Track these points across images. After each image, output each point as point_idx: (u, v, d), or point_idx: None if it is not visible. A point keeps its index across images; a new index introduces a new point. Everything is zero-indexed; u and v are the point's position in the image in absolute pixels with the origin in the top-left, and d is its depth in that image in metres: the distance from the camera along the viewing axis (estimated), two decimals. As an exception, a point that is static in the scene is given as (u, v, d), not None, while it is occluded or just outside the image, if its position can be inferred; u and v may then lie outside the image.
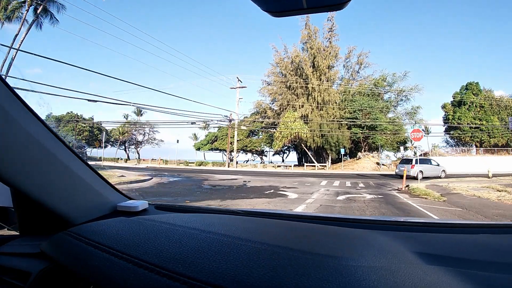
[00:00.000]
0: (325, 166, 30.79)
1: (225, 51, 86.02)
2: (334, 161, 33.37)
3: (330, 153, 31.68)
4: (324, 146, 31.30)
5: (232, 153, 34.31)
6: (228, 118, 31.04)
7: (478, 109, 32.31)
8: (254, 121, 37.92)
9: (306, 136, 30.63)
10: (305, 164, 32.64)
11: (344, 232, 0.68)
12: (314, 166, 31.10)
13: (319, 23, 35.52)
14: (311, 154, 32.45)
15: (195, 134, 48.84)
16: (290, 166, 31.30)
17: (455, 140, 34.00)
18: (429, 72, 71.06)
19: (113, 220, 0.72)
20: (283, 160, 42.93)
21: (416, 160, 16.17)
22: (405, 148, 30.69)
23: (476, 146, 31.39)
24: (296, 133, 30.47)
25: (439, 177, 17.33)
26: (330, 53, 32.85)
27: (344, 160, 31.83)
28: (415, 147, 34.72)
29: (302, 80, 32.32)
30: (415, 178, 14.46)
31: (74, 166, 0.78)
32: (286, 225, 0.74)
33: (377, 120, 30.15)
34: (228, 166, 32.44)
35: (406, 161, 17.23)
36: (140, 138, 45.97)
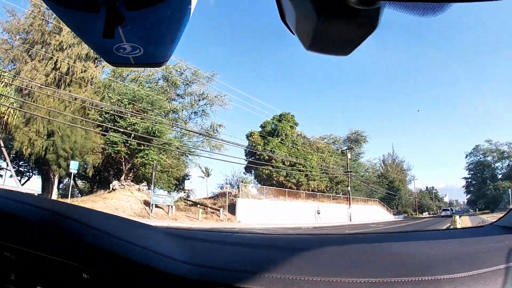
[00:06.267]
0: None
1: None
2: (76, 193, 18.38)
3: (58, 171, 16.73)
4: (47, 154, 16.35)
5: None
6: None
7: (291, 146, 25.32)
8: None
9: (14, 120, 15.46)
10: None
11: None
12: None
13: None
14: (12, 169, 17.09)
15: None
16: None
17: (263, 178, 24.18)
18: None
19: None
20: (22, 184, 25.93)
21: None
22: (178, 189, 18.76)
23: (292, 188, 23.20)
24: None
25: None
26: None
27: (83, 192, 17.17)
28: (189, 190, 23.78)
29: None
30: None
31: None
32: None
33: (157, 125, 16.89)
34: None
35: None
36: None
